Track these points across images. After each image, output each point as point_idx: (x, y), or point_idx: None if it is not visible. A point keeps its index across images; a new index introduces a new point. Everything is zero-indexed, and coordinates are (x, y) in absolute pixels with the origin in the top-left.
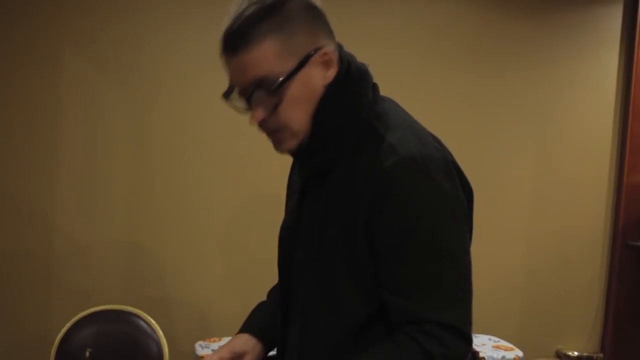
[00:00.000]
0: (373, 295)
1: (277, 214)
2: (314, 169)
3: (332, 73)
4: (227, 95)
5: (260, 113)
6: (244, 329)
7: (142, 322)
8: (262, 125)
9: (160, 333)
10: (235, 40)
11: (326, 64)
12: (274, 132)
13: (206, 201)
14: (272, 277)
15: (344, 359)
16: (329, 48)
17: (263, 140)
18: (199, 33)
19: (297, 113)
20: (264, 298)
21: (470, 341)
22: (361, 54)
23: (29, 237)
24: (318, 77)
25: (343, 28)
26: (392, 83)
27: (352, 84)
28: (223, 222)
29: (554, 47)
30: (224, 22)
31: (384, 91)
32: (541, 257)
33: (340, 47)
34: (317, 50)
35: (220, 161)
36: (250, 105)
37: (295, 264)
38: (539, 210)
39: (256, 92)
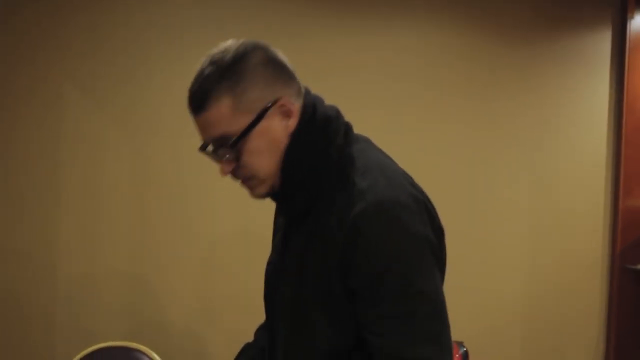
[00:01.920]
0: (350, 331)
1: None
2: (290, 211)
3: (293, 122)
4: (202, 148)
5: (226, 167)
6: None
7: (146, 359)
8: (233, 176)
9: None
10: (196, 101)
11: (285, 114)
12: (245, 180)
13: (208, 235)
14: None
15: None
16: (287, 99)
17: None
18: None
19: (261, 163)
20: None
21: None
22: (355, 86)
23: (31, 276)
24: (279, 128)
25: (338, 64)
26: (387, 113)
27: (316, 130)
28: (226, 254)
29: (544, 75)
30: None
31: (381, 121)
32: (541, 283)
33: (306, 93)
34: (274, 102)
35: (221, 196)
36: (218, 159)
37: (279, 299)
38: (536, 236)
39: (218, 149)
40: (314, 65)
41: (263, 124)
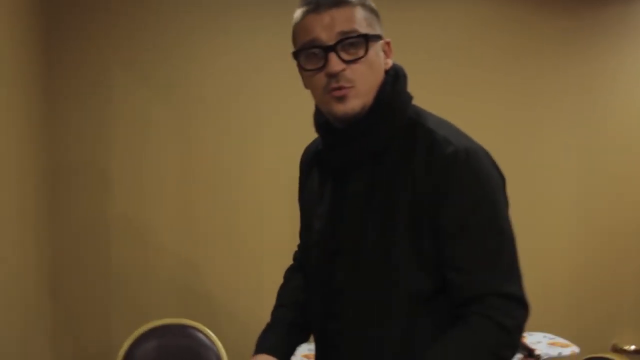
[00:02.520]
0: (435, 272)
1: None
2: (364, 147)
3: (389, 63)
4: (303, 49)
5: (341, 63)
6: (259, 350)
7: (201, 335)
8: (337, 75)
9: (220, 345)
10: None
11: (386, 53)
12: (345, 87)
13: (255, 213)
14: None
15: (415, 339)
16: (388, 44)
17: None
18: (240, 48)
19: (368, 76)
20: None
21: (529, 308)
22: (399, 61)
23: (87, 255)
24: (382, 59)
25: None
26: (432, 89)
27: (400, 79)
28: (273, 232)
29: (594, 46)
30: None
31: (426, 97)
32: (591, 251)
33: None
34: (382, 38)
35: (268, 174)
36: (331, 55)
37: (351, 249)
38: (585, 204)
39: (347, 42)
40: None
41: (377, 46)
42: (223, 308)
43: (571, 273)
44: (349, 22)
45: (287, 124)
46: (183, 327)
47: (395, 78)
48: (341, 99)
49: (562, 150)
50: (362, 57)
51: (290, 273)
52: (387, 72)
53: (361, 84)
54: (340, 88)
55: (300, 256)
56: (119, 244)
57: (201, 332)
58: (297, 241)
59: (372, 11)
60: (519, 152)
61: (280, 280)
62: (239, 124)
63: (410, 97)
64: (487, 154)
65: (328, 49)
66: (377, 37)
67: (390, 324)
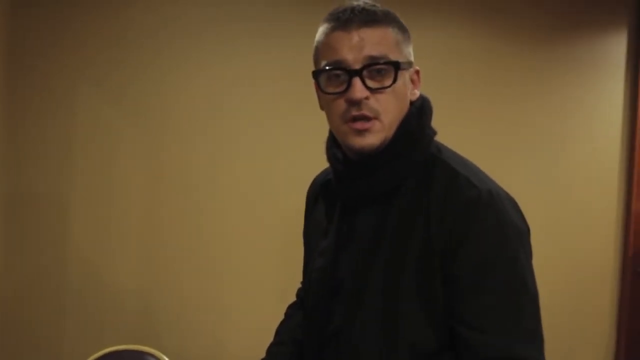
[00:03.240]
0: (444, 326)
1: (294, 254)
2: (379, 182)
3: (416, 93)
4: (325, 69)
5: (364, 91)
6: None
7: None
8: (360, 103)
9: None
10: (369, 14)
11: (414, 83)
12: (367, 118)
13: (220, 237)
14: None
15: None
16: (416, 72)
17: (277, 172)
18: (212, 69)
19: (393, 107)
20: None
21: None
22: None
23: (41, 278)
24: (409, 89)
25: None
26: None
27: (426, 112)
28: (240, 259)
29: (561, 78)
30: (339, 10)
31: None
32: (552, 285)
33: None
34: (412, 65)
35: (233, 193)
36: (356, 80)
37: (343, 296)
38: (548, 236)
39: (375, 67)
40: None
41: (406, 74)
42: (182, 335)
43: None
44: (380, 46)
45: (258, 148)
46: (139, 353)
47: (420, 110)
48: (361, 132)
49: (529, 178)
50: (389, 86)
51: (291, 310)
52: (412, 103)
53: (385, 116)
54: (361, 118)
55: (302, 294)
56: (77, 262)
57: (156, 357)
58: (263, 263)
59: (405, 32)
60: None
61: (243, 310)
62: (210, 148)
63: (434, 133)
64: (512, 201)
65: (353, 73)
66: (408, 65)
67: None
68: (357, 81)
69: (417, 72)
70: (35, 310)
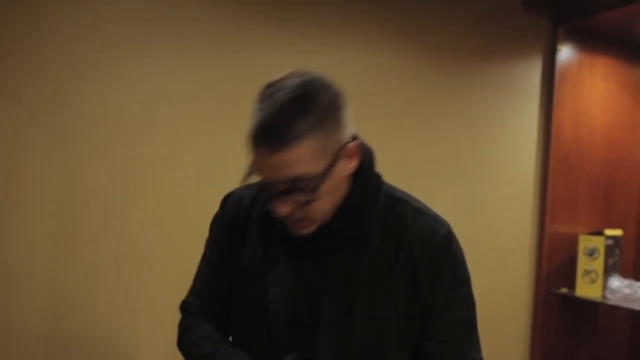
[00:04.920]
0: (413, 348)
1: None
2: (332, 245)
3: (354, 164)
4: (247, 177)
5: (286, 208)
6: None
7: None
8: (287, 216)
9: None
10: (275, 139)
11: (350, 157)
12: (297, 220)
13: (144, 263)
14: None
15: None
16: (354, 142)
17: (203, 195)
18: (136, 85)
19: (324, 206)
20: None
21: None
22: None
23: None
24: (343, 170)
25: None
26: None
27: (371, 168)
28: (158, 285)
29: (477, 100)
30: (256, 110)
31: None
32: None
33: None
34: (344, 145)
35: (156, 218)
36: (276, 197)
37: (323, 329)
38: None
39: (288, 189)
40: (247, 83)
41: (335, 167)
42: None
43: None
44: (295, 167)
45: (183, 168)
46: None
47: (364, 177)
48: (296, 228)
49: (448, 196)
50: (312, 200)
51: (196, 321)
52: (354, 175)
53: (315, 214)
54: (291, 221)
55: (212, 311)
56: None
57: None
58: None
59: (325, 124)
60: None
61: (163, 342)
62: (133, 167)
63: (380, 179)
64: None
65: (272, 195)
66: (333, 163)
67: None
68: (276, 203)
69: (352, 144)
70: None
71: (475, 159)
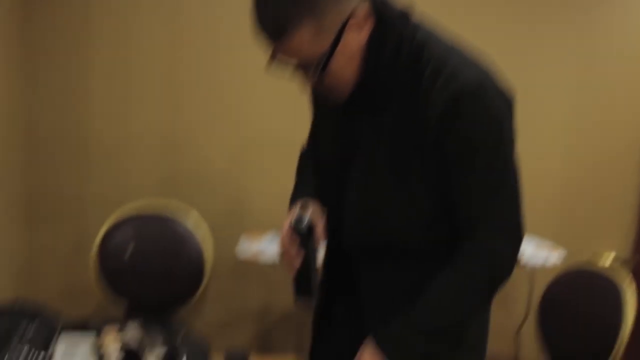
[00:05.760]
0: (441, 197)
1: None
2: (366, 112)
3: (365, 32)
4: (272, 60)
5: (308, 82)
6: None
7: (183, 215)
8: (313, 88)
9: (205, 225)
10: (270, 31)
11: (359, 26)
12: (325, 91)
13: (243, 90)
14: None
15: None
16: (359, 10)
17: None
18: None
19: (343, 79)
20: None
21: (523, 236)
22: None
23: (63, 130)
24: (355, 41)
25: None
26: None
27: (388, 33)
28: (260, 114)
29: None
30: (253, 4)
31: (422, 10)
32: (579, 162)
33: None
34: (348, 18)
35: (255, 55)
36: (297, 74)
37: (354, 176)
38: (576, 116)
39: (302, 70)
40: None
41: (342, 41)
42: (205, 188)
43: (558, 183)
44: (297, 52)
45: None
46: (165, 207)
47: (379, 43)
48: (326, 99)
49: (559, 65)
50: (323, 78)
51: (302, 159)
52: (368, 43)
53: (338, 87)
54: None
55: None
56: (98, 120)
57: (184, 212)
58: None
59: (324, 9)
60: (516, 65)
61: (265, 165)
62: (227, 7)
63: (406, 40)
64: (496, 87)
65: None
66: (338, 39)
67: (409, 230)
68: (301, 79)
69: (355, 17)
70: (60, 164)
71: (589, 21)
